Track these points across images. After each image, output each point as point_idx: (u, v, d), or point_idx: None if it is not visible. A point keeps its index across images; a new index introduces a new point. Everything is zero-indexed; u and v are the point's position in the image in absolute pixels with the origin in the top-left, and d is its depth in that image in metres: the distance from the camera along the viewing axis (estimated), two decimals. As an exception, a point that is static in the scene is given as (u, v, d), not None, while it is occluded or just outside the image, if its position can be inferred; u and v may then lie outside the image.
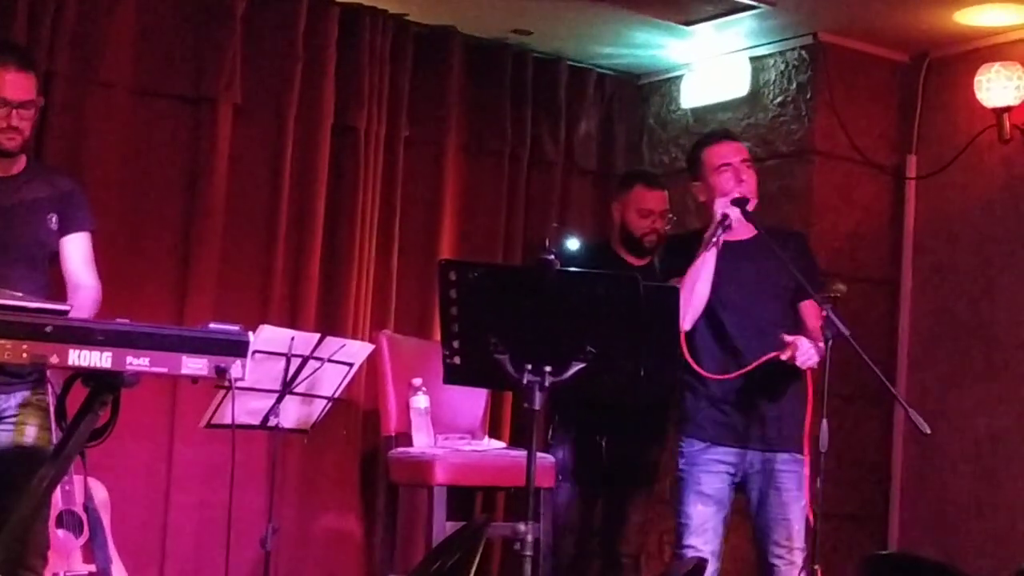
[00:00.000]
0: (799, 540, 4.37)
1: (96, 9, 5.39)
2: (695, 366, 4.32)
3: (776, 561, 4.38)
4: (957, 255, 5.94)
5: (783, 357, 4.23)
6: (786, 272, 4.36)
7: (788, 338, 4.26)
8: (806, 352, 4.23)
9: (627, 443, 5.37)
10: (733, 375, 4.30)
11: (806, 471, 4.35)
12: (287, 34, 5.76)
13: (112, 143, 5.46)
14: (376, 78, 5.98)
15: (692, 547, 4.37)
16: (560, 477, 5.35)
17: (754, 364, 4.28)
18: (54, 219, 4.06)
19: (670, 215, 5.55)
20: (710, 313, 4.38)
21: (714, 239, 4.31)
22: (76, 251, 4.11)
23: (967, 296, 5.88)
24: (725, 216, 4.33)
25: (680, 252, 4.49)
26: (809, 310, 4.45)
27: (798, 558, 4.36)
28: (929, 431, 4.07)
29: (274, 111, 5.78)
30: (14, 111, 3.94)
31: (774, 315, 4.40)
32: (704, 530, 4.37)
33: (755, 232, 4.42)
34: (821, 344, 4.26)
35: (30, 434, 3.89)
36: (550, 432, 5.50)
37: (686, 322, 4.30)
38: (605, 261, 5.36)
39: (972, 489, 5.75)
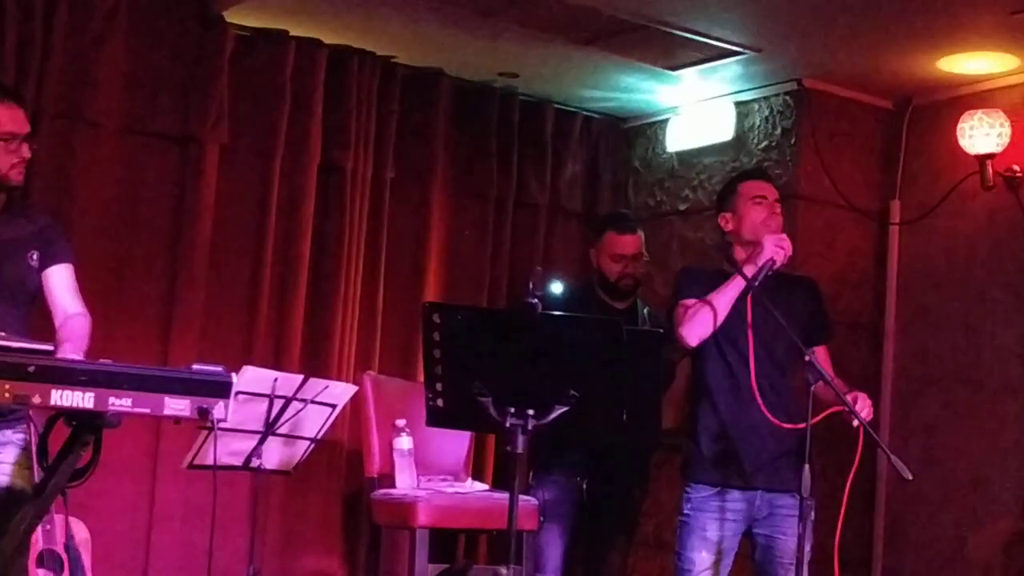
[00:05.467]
0: None
1: (84, 48, 5.41)
2: (768, 415, 4.22)
3: None
4: (940, 300, 5.97)
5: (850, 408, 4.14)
6: (799, 317, 4.38)
7: (848, 396, 4.18)
8: (867, 407, 4.19)
9: (609, 485, 5.37)
10: (801, 425, 4.12)
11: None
12: (275, 75, 5.79)
13: (99, 182, 5.47)
14: (363, 119, 6.00)
15: None
16: (542, 518, 5.33)
17: (823, 415, 4.17)
18: (35, 256, 4.05)
19: (645, 257, 5.56)
20: (721, 355, 4.38)
21: (757, 280, 4.25)
22: (60, 281, 4.08)
23: (950, 341, 5.90)
24: (772, 261, 4.29)
25: (699, 281, 4.44)
26: (819, 356, 4.45)
27: None
28: (911, 477, 4.07)
29: (261, 151, 5.79)
30: (23, 144, 4.00)
31: (784, 359, 4.36)
32: None
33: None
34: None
35: (9, 473, 3.87)
36: (531, 473, 5.49)
37: (692, 339, 4.31)
38: (588, 305, 5.36)
39: (956, 532, 5.75)
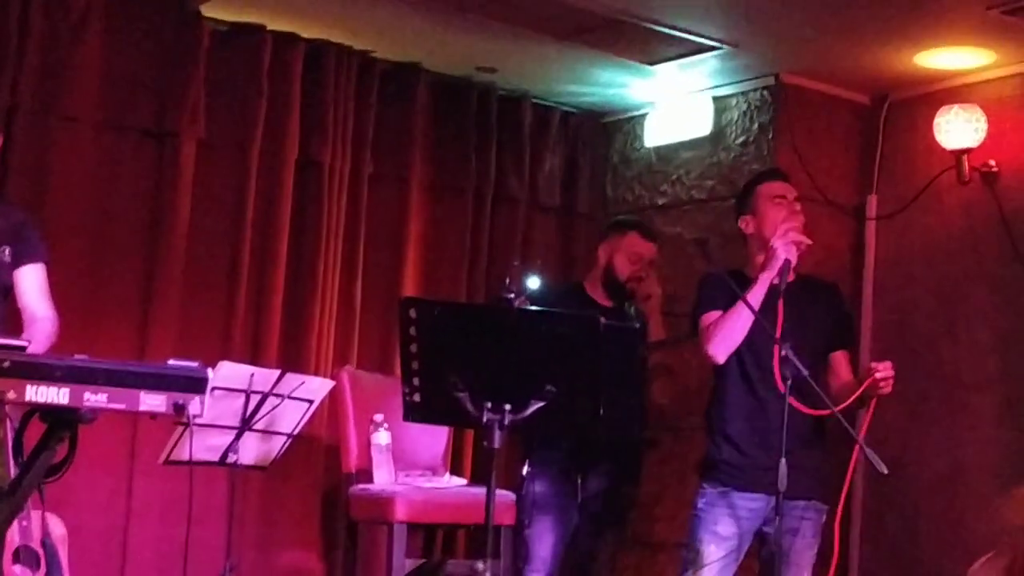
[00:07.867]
0: None
1: (60, 43, 5.38)
2: (800, 407, 4.16)
3: None
4: (917, 295, 5.98)
5: (878, 376, 4.15)
6: (820, 321, 4.39)
7: (874, 364, 4.20)
8: (889, 377, 4.18)
9: (604, 482, 5.35)
10: (837, 409, 4.16)
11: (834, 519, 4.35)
12: (252, 69, 5.77)
13: (75, 177, 5.45)
14: (341, 114, 5.99)
15: None
16: (533, 511, 5.30)
17: (859, 391, 4.20)
18: (7, 252, 4.04)
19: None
20: (740, 361, 4.35)
21: (782, 286, 4.23)
22: (31, 282, 4.08)
23: (927, 336, 5.91)
24: (788, 261, 4.26)
25: (720, 289, 4.39)
26: (842, 360, 4.47)
27: None
28: (886, 471, 4.07)
29: (238, 146, 5.78)
30: None
31: (809, 362, 4.22)
32: (710, 571, 4.36)
33: (792, 278, 4.36)
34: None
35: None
36: (526, 465, 5.44)
37: (721, 355, 4.30)
38: (578, 302, 5.36)
39: (933, 529, 5.77)
